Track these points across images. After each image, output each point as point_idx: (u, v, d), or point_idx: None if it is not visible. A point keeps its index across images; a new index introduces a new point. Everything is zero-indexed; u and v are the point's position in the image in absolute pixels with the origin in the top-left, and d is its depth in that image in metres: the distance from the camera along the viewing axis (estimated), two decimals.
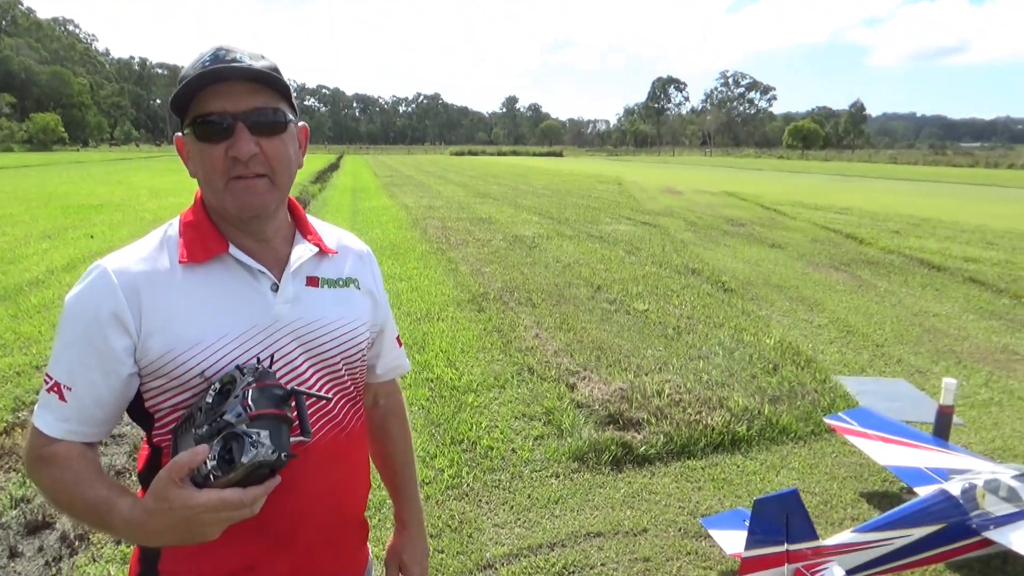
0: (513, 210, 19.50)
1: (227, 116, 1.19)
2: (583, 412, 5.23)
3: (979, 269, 11.67)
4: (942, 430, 4.40)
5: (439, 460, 4.53)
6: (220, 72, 1.17)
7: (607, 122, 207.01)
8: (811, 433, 5.09)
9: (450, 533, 3.74)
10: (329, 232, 1.48)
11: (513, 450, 4.71)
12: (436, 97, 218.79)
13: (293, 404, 1.17)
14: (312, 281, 1.37)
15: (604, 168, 51.87)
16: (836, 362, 6.84)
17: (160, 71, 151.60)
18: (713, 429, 4.92)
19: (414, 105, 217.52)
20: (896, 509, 3.39)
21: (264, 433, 1.08)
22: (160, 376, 1.22)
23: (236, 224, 1.29)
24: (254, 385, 1.14)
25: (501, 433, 4.93)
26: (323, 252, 1.40)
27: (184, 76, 1.21)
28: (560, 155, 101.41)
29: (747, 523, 3.08)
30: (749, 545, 3.04)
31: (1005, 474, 3.60)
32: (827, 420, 4.80)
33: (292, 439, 1.13)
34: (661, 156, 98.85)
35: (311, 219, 1.45)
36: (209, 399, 1.15)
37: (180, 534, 1.09)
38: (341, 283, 1.42)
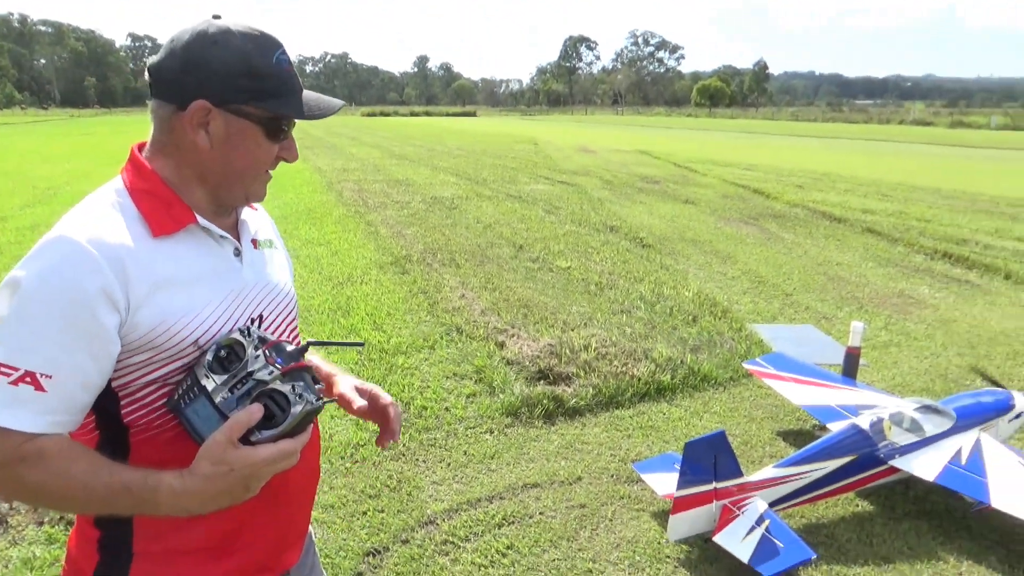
0: (430, 171, 19.28)
1: (293, 124, 1.29)
2: (513, 369, 5.30)
3: (876, 220, 12.34)
4: (850, 370, 4.69)
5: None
6: (324, 112, 1.28)
7: (520, 81, 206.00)
8: (730, 379, 5.33)
9: (389, 492, 3.76)
10: None
11: (447, 409, 4.74)
12: (344, 56, 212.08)
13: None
14: (254, 243, 1.38)
15: (519, 128, 51.80)
16: (750, 311, 7.16)
17: (43, 28, 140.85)
18: (639, 379, 5.08)
19: (322, 64, 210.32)
20: (811, 444, 3.62)
21: (301, 385, 1.14)
22: (147, 350, 1.17)
23: (216, 201, 1.29)
24: (268, 344, 1.17)
25: (434, 393, 4.96)
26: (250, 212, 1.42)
27: (270, 76, 1.22)
28: (474, 115, 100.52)
29: (677, 465, 3.23)
30: (681, 485, 3.19)
31: (908, 407, 3.89)
32: (745, 365, 5.04)
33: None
34: (575, 115, 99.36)
35: None
36: (206, 367, 1.15)
37: (237, 494, 1.11)
38: (268, 244, 1.43)
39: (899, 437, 3.72)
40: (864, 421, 3.75)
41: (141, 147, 1.28)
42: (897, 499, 3.80)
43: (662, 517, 3.52)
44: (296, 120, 1.28)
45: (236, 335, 1.19)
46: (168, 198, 1.23)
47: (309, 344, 1.23)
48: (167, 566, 1.25)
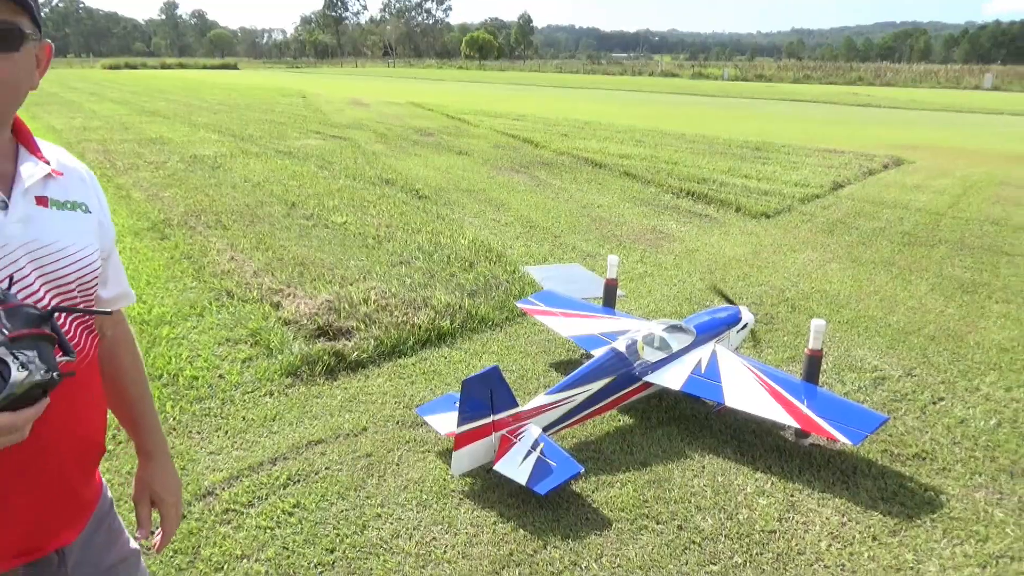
0: (188, 128, 17.76)
1: None
2: (291, 328, 5.14)
3: (631, 164, 13.38)
4: (609, 300, 5.10)
5: None
6: None
7: (284, 32, 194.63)
8: (506, 319, 5.58)
9: None
10: (50, 151, 1.36)
11: (221, 376, 4.50)
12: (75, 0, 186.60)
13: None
14: (41, 201, 1.27)
15: (285, 81, 49.12)
16: (523, 254, 7.50)
17: None
18: (420, 327, 5.16)
19: (47, 10, 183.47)
20: (577, 370, 3.92)
21: (32, 353, 1.03)
22: None
23: None
24: (6, 305, 1.07)
25: (205, 361, 4.67)
26: (52, 174, 1.31)
27: None
28: (235, 68, 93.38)
29: (456, 404, 3.35)
30: (460, 422, 3.32)
31: (657, 328, 4.32)
32: (518, 304, 5.31)
33: (59, 359, 1.08)
34: (344, 68, 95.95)
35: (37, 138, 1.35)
36: None
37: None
38: (69, 206, 1.33)
39: (651, 355, 4.14)
40: (621, 344, 4.12)
41: None
42: (652, 411, 4.25)
43: (446, 456, 3.65)
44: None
45: None
46: None
47: (53, 311, 1.13)
48: None
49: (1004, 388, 4.71)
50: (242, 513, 3.22)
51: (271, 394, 4.32)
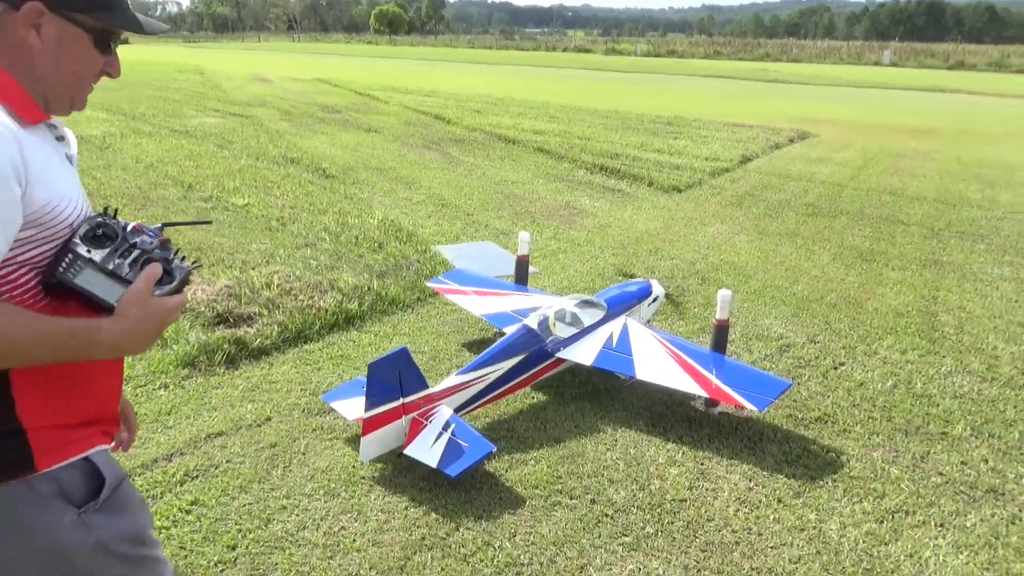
0: None
1: (119, 40, 1.45)
2: (188, 316, 4.93)
3: (545, 140, 13.43)
4: (522, 277, 5.11)
5: None
6: (153, 29, 1.51)
7: (179, 3, 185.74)
8: (417, 300, 5.51)
9: None
10: None
11: None
12: None
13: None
14: (69, 159, 1.50)
15: (182, 56, 46.85)
16: (434, 233, 7.43)
17: None
18: (327, 311, 5.04)
19: None
20: (488, 349, 3.91)
21: (174, 252, 1.42)
22: (32, 227, 1.28)
23: (44, 104, 1.38)
24: (132, 224, 1.41)
25: None
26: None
27: None
28: (126, 42, 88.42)
29: (364, 388, 3.29)
30: (368, 406, 3.26)
31: (569, 304, 4.36)
32: (429, 284, 5.25)
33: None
34: (246, 42, 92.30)
35: None
36: (83, 244, 1.32)
37: (156, 336, 1.37)
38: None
39: (563, 331, 4.17)
40: (533, 321, 4.14)
41: None
42: (565, 387, 4.29)
43: (355, 442, 3.58)
44: (122, 35, 1.44)
45: (99, 218, 1.37)
46: (23, 97, 1.32)
47: (164, 225, 1.48)
48: (58, 433, 1.38)
49: (900, 351, 4.98)
50: None
51: (166, 387, 4.14)
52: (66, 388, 1.39)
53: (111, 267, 1.32)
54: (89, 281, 1.32)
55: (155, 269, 1.35)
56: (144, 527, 1.56)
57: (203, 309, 4.97)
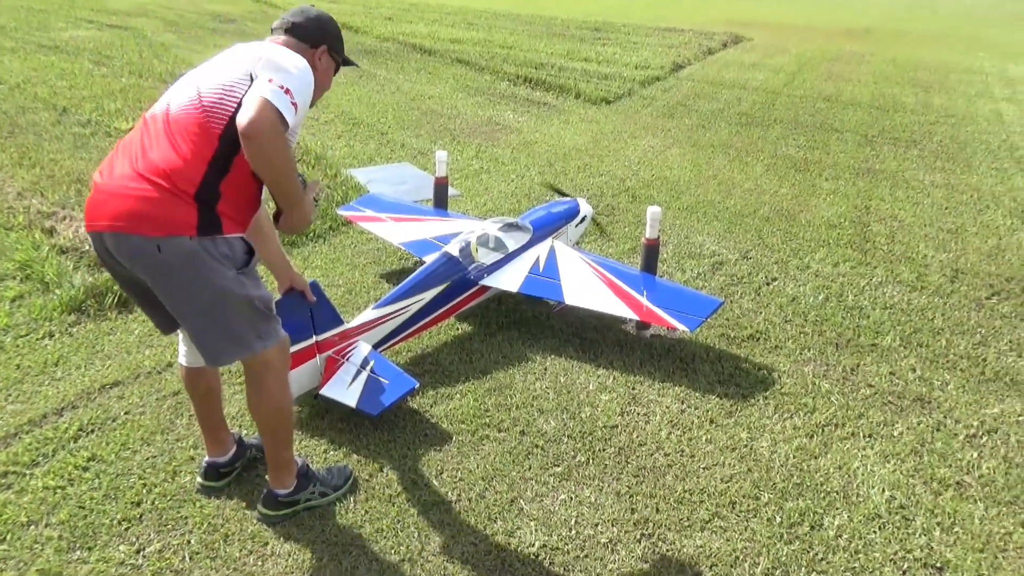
0: None
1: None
2: (71, 257, 4.71)
3: (464, 49, 13.11)
4: (441, 200, 5.05)
5: None
6: (356, 63, 2.97)
7: None
8: (329, 229, 5.40)
9: None
10: None
11: None
12: None
13: None
14: None
15: None
16: (345, 155, 7.23)
17: None
18: None
19: None
20: (407, 279, 3.87)
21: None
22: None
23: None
24: None
25: None
26: None
27: (341, 40, 2.78)
28: None
29: None
30: None
31: (492, 228, 4.33)
32: (340, 211, 5.14)
33: None
34: None
35: None
36: None
37: (309, 216, 2.46)
38: None
39: (486, 257, 4.16)
40: (454, 248, 4.10)
41: None
42: (491, 315, 4.31)
43: None
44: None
45: None
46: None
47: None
48: (235, 225, 2.36)
49: (832, 264, 5.18)
50: (25, 475, 2.98)
51: (51, 335, 3.97)
52: (244, 206, 2.40)
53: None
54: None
55: (315, 183, 2.52)
56: (272, 298, 2.59)
57: (88, 248, 4.75)
